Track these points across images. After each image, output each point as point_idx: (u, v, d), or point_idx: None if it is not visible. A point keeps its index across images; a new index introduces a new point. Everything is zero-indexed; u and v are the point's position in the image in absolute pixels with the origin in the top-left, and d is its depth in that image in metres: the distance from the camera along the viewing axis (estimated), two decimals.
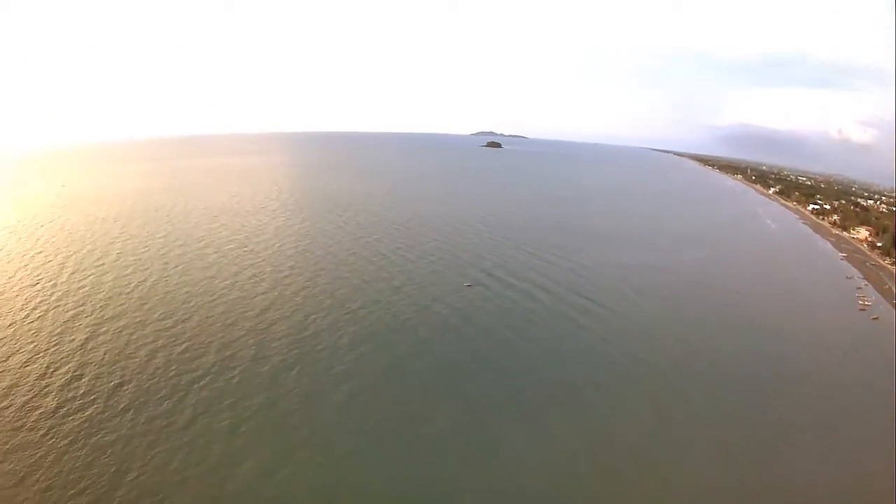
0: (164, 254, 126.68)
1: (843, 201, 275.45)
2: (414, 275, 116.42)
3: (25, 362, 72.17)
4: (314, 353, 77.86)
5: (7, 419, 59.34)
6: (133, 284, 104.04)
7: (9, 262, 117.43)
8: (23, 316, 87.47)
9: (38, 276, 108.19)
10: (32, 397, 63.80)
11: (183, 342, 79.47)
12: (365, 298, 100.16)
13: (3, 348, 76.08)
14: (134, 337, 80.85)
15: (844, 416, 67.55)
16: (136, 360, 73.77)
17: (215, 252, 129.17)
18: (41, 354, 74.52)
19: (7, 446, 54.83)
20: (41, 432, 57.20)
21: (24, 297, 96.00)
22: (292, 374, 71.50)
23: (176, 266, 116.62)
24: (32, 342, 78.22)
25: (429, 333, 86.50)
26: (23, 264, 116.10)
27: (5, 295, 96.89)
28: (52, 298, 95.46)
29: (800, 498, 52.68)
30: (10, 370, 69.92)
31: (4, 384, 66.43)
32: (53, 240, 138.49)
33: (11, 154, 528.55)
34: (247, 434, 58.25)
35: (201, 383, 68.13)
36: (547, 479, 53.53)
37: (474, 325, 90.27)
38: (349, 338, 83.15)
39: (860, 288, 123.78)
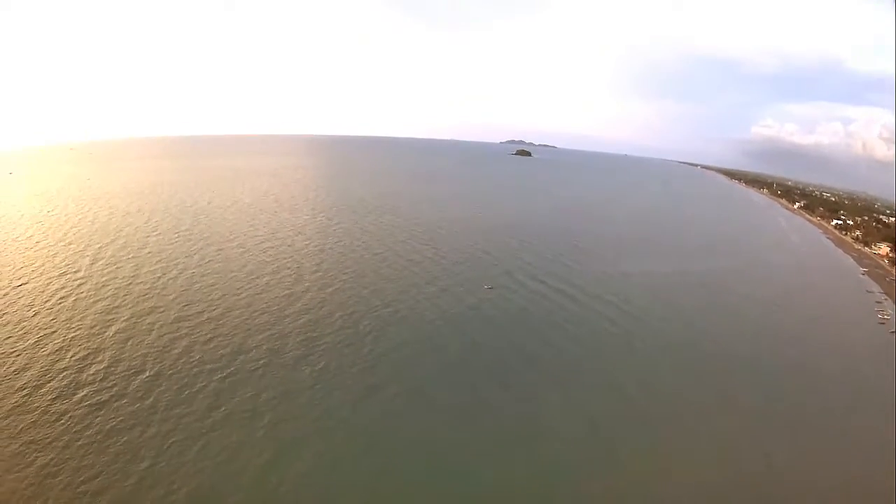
0: (199, 249, 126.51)
1: (866, 217, 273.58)
2: (452, 277, 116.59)
3: (45, 349, 72.70)
4: (350, 352, 76.70)
5: (20, 402, 59.53)
6: (166, 279, 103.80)
7: (36, 251, 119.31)
8: (48, 306, 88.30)
9: (66, 265, 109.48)
10: (49, 381, 64.06)
11: (212, 337, 78.59)
12: (403, 300, 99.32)
13: (23, 335, 76.59)
14: (161, 329, 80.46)
15: (858, 418, 69.93)
16: (171, 353, 73.17)
17: (249, 250, 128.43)
18: (62, 341, 75.05)
19: (16, 428, 54.92)
20: (54, 416, 57.21)
21: (52, 287, 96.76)
22: (329, 374, 70.03)
23: (209, 261, 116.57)
24: (54, 329, 78.88)
25: (474, 337, 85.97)
26: (51, 254, 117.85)
27: (30, 284, 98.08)
28: (80, 289, 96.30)
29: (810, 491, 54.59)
30: (28, 356, 70.37)
31: (23, 368, 66.97)
32: (82, 231, 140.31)
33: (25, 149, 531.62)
34: (285, 438, 56.34)
35: (230, 379, 67.06)
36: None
37: (514, 326, 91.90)
38: (390, 338, 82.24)
39: (880, 302, 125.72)
